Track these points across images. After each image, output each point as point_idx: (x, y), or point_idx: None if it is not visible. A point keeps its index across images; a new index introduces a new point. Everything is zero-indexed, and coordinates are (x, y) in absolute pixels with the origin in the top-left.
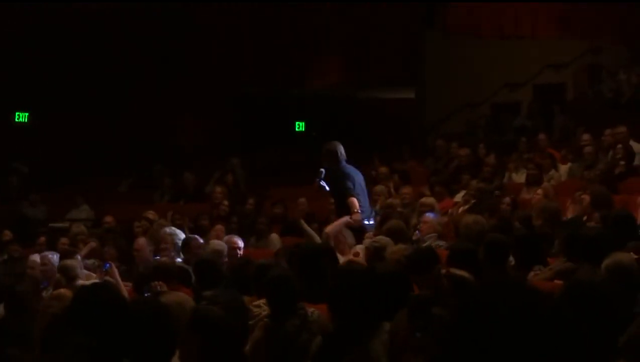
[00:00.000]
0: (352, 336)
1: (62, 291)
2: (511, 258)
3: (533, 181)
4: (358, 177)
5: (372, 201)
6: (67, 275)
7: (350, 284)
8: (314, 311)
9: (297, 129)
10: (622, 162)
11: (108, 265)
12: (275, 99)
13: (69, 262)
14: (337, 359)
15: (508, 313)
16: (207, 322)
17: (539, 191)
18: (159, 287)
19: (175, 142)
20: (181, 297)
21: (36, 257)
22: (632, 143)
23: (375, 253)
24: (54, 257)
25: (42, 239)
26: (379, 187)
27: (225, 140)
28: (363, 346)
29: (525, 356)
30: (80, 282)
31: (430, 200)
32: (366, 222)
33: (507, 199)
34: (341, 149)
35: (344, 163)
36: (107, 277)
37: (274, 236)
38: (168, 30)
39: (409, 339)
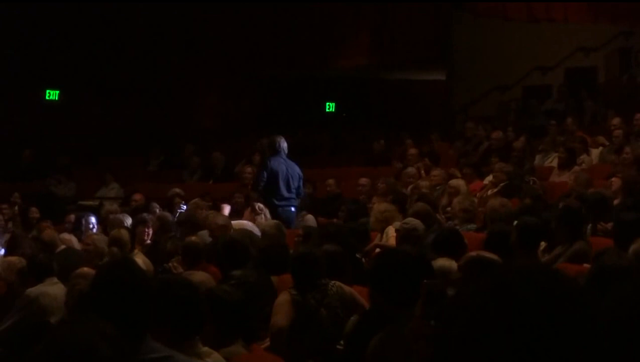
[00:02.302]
0: (388, 315)
1: (86, 269)
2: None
3: (564, 165)
4: (281, 167)
5: (404, 183)
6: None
7: (392, 263)
8: (334, 283)
9: (327, 110)
10: None
11: None
12: (305, 80)
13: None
14: (371, 338)
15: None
16: (219, 303)
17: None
18: (173, 268)
19: (204, 121)
20: (201, 276)
21: (66, 235)
22: None
23: (406, 234)
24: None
25: (71, 216)
26: (410, 170)
27: (254, 120)
28: (395, 326)
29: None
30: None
31: (458, 182)
32: (293, 209)
33: (537, 182)
34: (277, 143)
35: (273, 156)
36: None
37: (309, 217)
38: (198, 11)
39: (423, 326)
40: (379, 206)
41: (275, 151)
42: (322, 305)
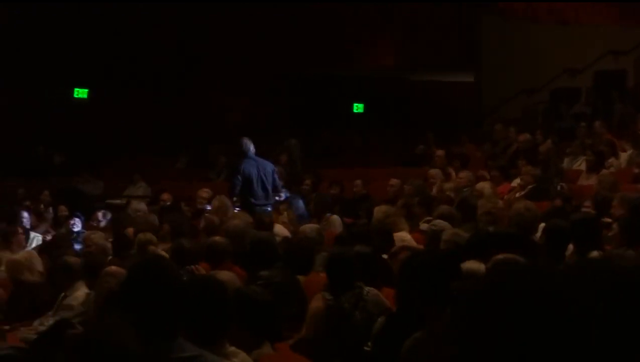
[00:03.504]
0: (417, 317)
1: (115, 267)
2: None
3: (592, 168)
4: (252, 170)
5: (429, 184)
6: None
7: (421, 265)
8: (370, 290)
9: (354, 111)
10: None
11: None
12: (333, 81)
13: None
14: (400, 339)
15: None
16: (248, 303)
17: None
18: (195, 270)
19: (231, 121)
20: (227, 276)
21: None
22: None
23: (433, 236)
24: None
25: (99, 214)
26: (434, 171)
27: (282, 120)
28: (428, 328)
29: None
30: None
31: (483, 185)
32: (269, 209)
33: (564, 187)
34: (244, 146)
35: (244, 158)
36: None
37: (335, 217)
38: (228, 11)
39: (450, 328)
40: (380, 208)
41: (244, 154)
42: (356, 308)
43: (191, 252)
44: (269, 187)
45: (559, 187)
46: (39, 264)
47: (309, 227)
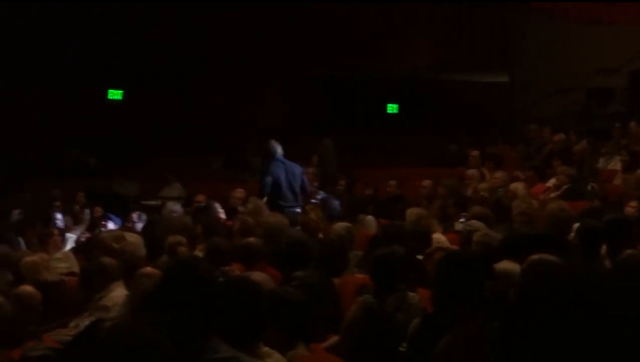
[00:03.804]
0: (451, 317)
1: (150, 268)
2: None
3: (628, 168)
4: (280, 172)
5: (464, 185)
6: None
7: (456, 265)
8: (414, 295)
9: (389, 111)
10: None
11: None
12: (367, 81)
13: None
14: (435, 340)
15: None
16: (282, 304)
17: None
18: (230, 271)
19: (266, 122)
20: (260, 277)
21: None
22: None
23: (468, 237)
24: None
25: (134, 216)
26: (471, 171)
27: (316, 121)
28: (462, 328)
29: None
30: None
31: (517, 185)
32: (298, 210)
33: (596, 188)
34: (272, 149)
35: (272, 160)
36: None
37: (370, 218)
38: (260, 12)
39: (485, 329)
40: (412, 211)
41: (272, 156)
42: (399, 310)
43: (227, 253)
44: (297, 190)
45: (589, 187)
46: (74, 265)
47: (340, 226)
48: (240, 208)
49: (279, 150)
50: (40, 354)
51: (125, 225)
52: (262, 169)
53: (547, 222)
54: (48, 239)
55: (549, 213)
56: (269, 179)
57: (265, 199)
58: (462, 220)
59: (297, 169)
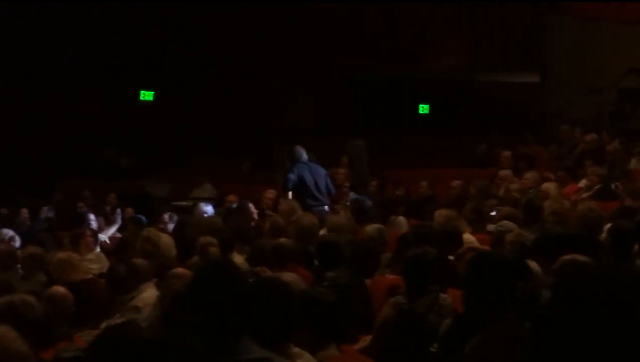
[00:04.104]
0: (482, 318)
1: (181, 269)
2: None
3: None
4: (305, 173)
5: (495, 186)
6: None
7: (488, 266)
8: (446, 296)
9: (420, 112)
10: None
11: None
12: (398, 82)
13: None
14: (466, 340)
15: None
16: (313, 305)
17: None
18: (262, 272)
19: (297, 122)
20: (290, 278)
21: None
22: None
23: (500, 237)
24: None
25: (166, 217)
26: (504, 172)
27: (347, 121)
28: (491, 328)
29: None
30: None
31: (549, 185)
32: (326, 208)
33: (620, 187)
34: (296, 153)
35: (297, 163)
36: None
37: (401, 219)
38: (291, 12)
39: (517, 330)
40: (441, 213)
41: (296, 160)
42: (431, 311)
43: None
44: (323, 189)
45: (613, 186)
46: (106, 266)
47: (372, 228)
48: (267, 211)
49: (304, 155)
50: (72, 355)
51: (158, 226)
52: (287, 170)
53: (577, 222)
54: (80, 239)
55: (579, 214)
56: (293, 176)
57: (290, 194)
58: (493, 213)
59: (321, 170)
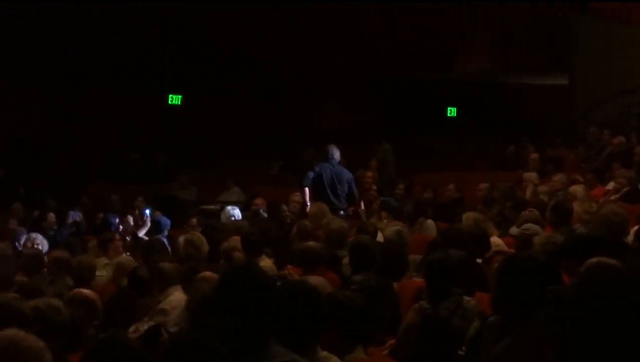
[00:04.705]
0: (511, 320)
1: (208, 273)
2: None
3: None
4: (326, 172)
5: (521, 188)
6: None
7: (517, 269)
8: (470, 299)
9: (448, 115)
10: None
11: None
12: (426, 85)
13: None
14: (494, 343)
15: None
16: (341, 308)
17: None
18: (289, 275)
19: (324, 125)
20: (317, 281)
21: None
22: None
23: (525, 240)
24: None
25: (194, 220)
26: (528, 174)
27: (375, 124)
28: (520, 331)
29: None
30: None
31: (576, 188)
32: (341, 213)
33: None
34: (329, 152)
35: (322, 162)
36: None
37: (430, 222)
38: (319, 16)
39: (545, 332)
40: (469, 215)
41: (325, 158)
42: (455, 315)
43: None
44: (340, 193)
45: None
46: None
47: (391, 230)
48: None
49: (335, 155)
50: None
51: (185, 230)
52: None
53: (600, 225)
54: (109, 243)
55: (602, 217)
56: (311, 173)
57: (307, 191)
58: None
59: (346, 175)
